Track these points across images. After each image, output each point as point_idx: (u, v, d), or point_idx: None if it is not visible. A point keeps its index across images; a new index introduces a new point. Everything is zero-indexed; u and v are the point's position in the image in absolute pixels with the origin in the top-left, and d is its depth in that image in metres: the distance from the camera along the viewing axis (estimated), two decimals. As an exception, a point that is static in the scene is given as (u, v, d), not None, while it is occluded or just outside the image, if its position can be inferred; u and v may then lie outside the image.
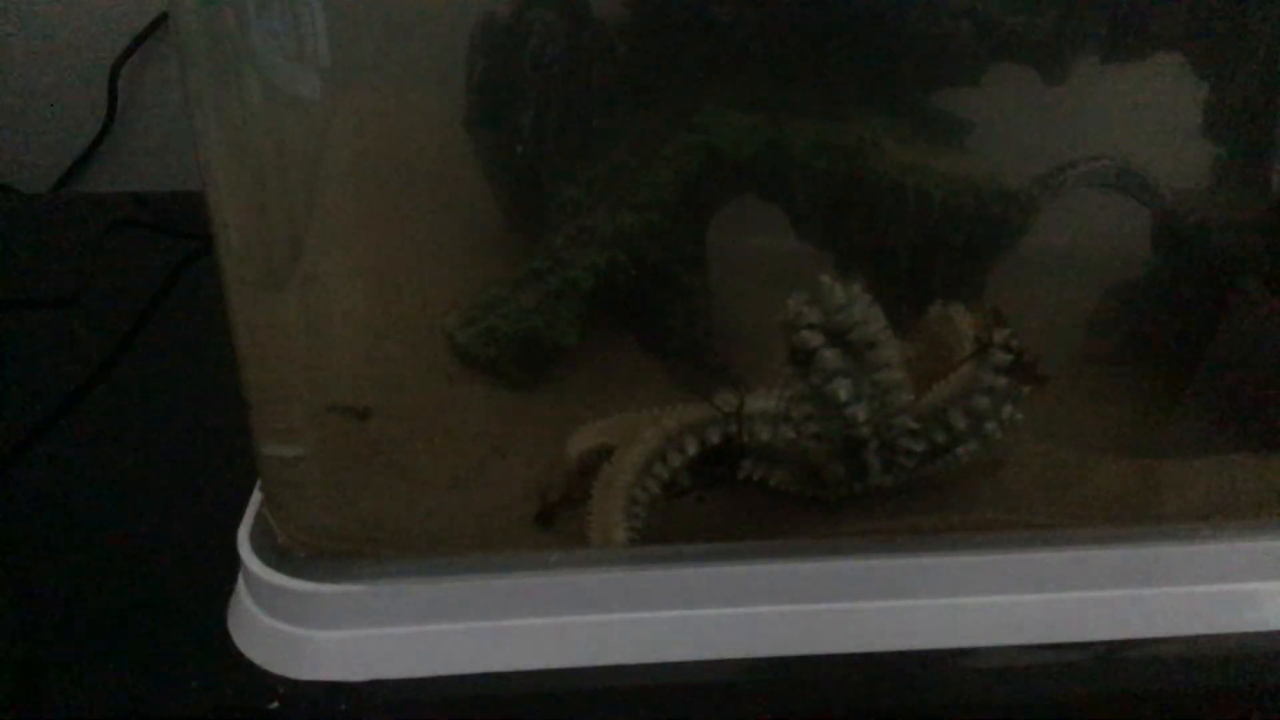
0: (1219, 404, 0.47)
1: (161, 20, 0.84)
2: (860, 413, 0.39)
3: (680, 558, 0.40)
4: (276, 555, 0.40)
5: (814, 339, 0.38)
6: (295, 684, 0.38)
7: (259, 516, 0.42)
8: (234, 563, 0.41)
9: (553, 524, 0.42)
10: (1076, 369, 0.48)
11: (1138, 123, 0.46)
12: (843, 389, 0.39)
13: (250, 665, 0.39)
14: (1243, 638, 0.41)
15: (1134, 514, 0.44)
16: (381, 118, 0.43)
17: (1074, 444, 0.45)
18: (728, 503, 0.43)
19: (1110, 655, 0.40)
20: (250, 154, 0.36)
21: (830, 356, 0.39)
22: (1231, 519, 0.43)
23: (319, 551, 0.40)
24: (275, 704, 0.38)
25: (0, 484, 0.50)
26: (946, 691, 0.39)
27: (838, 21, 0.43)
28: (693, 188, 0.44)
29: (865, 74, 0.44)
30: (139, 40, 0.85)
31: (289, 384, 0.42)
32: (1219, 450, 0.45)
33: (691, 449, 0.41)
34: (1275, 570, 0.42)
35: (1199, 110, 0.45)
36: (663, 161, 0.44)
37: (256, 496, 0.42)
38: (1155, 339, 0.48)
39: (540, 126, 0.45)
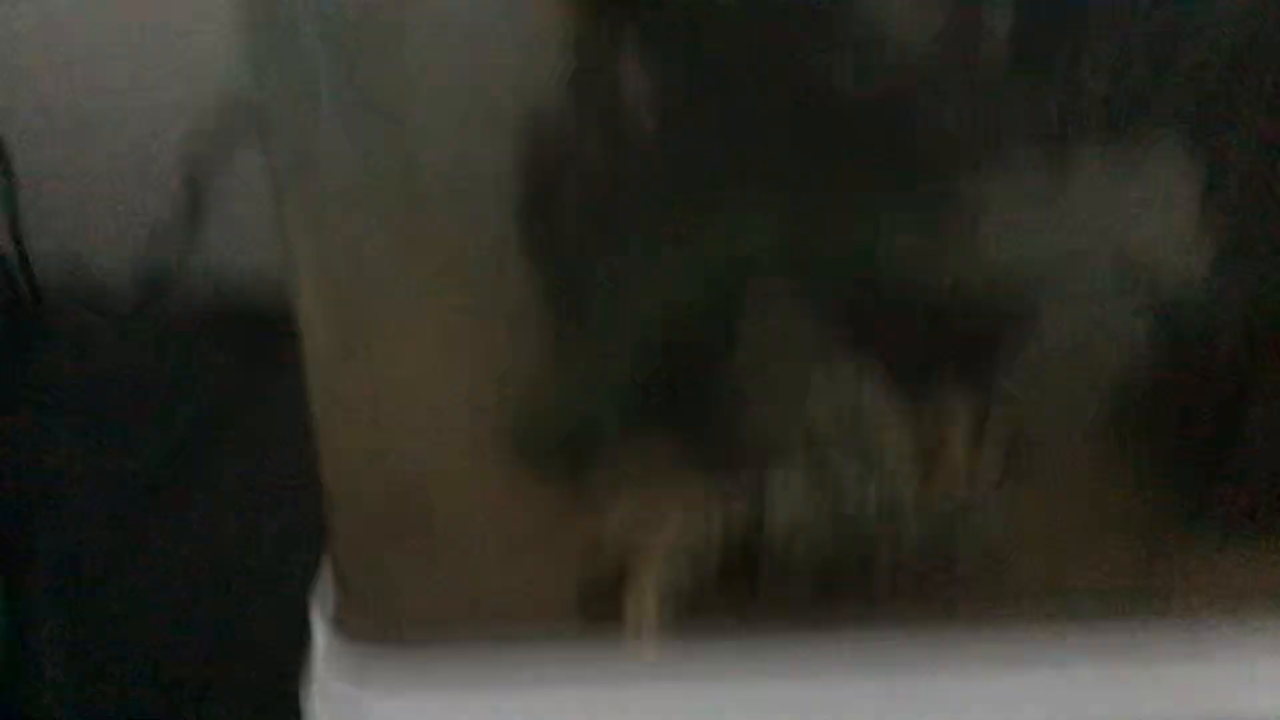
0: (1226, 494, 0.48)
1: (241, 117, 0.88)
2: (870, 504, 0.42)
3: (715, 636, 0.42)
4: (346, 624, 0.43)
5: (828, 429, 0.42)
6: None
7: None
8: (308, 630, 0.44)
9: (595, 608, 0.44)
10: (1084, 461, 0.50)
11: (1140, 216, 0.49)
12: (854, 479, 0.42)
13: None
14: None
15: (1141, 602, 0.46)
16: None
17: (1081, 534, 0.47)
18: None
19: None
20: (333, 245, 0.41)
21: (842, 446, 0.42)
22: (1241, 607, 0.45)
23: (383, 621, 0.43)
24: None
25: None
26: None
27: (852, 122, 0.47)
28: (721, 279, 0.48)
29: (879, 169, 0.48)
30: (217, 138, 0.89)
31: (355, 465, 0.45)
32: (1226, 540, 0.47)
33: (716, 543, 0.44)
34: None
35: (1199, 203, 0.48)
36: (692, 256, 0.48)
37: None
38: (1163, 430, 0.50)
39: (582, 219, 0.49)
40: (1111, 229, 0.48)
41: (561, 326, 0.51)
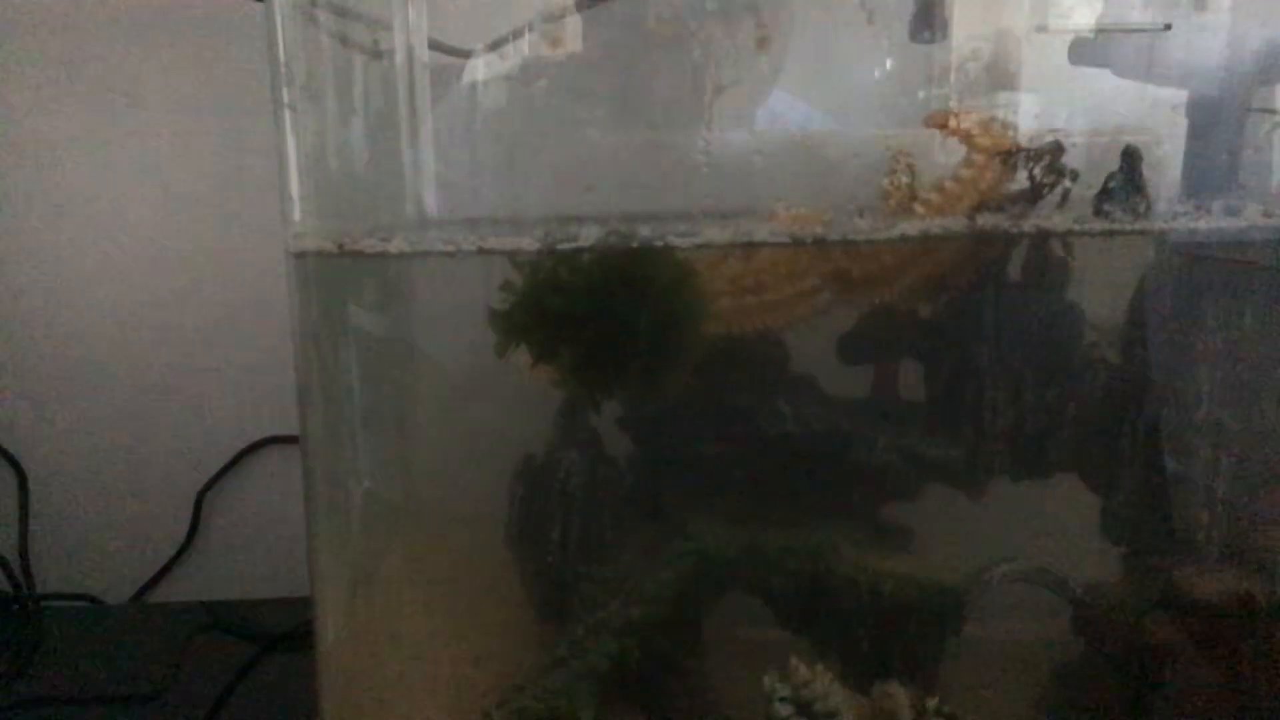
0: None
1: (247, 452, 0.98)
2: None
3: None
4: None
5: (785, 710, 0.47)
6: None
7: None
8: None
9: None
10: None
11: (1047, 528, 0.57)
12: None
13: None
14: None
15: None
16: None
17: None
18: None
19: None
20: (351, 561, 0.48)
21: (800, 722, 0.47)
22: None
23: None
24: None
25: None
26: None
27: (800, 454, 0.56)
28: (688, 584, 0.55)
29: (824, 493, 0.56)
30: (225, 469, 0.98)
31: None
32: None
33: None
34: None
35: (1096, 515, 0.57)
36: (663, 563, 0.55)
37: None
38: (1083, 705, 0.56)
39: (566, 538, 0.56)
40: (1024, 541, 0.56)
41: (545, 623, 0.57)
